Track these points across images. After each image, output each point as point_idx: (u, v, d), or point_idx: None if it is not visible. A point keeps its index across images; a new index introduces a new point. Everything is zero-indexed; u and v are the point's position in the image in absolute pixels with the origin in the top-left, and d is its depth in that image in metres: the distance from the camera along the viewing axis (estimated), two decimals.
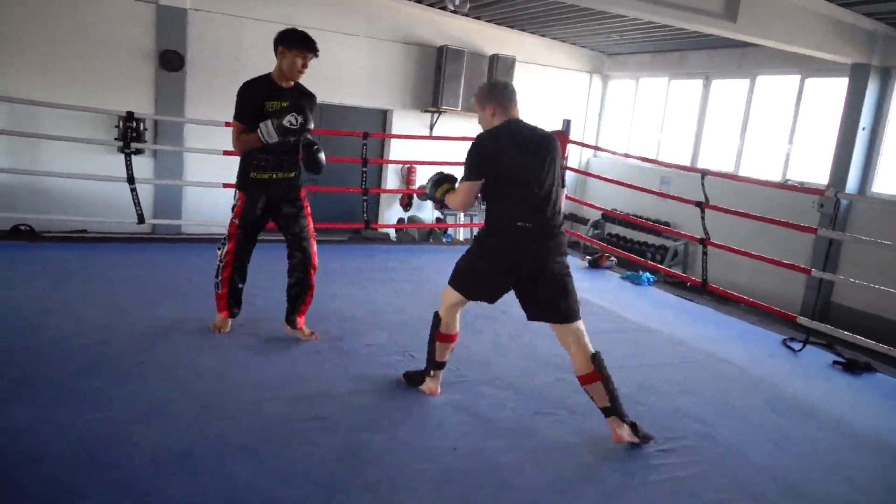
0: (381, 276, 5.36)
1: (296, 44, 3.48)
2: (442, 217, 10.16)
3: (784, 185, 7.88)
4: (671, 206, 9.82)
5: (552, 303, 2.88)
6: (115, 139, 8.22)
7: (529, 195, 2.81)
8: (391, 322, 4.19)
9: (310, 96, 3.67)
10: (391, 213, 10.75)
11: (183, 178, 8.70)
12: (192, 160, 8.77)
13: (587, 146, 8.81)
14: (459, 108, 10.43)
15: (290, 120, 3.32)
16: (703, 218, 5.45)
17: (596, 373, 2.81)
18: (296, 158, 3.60)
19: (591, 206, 8.76)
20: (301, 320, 3.77)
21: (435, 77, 10.40)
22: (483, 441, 2.79)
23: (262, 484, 2.32)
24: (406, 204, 10.55)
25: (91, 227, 7.49)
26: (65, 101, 7.05)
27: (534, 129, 2.93)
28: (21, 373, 2.94)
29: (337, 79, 9.43)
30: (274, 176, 3.54)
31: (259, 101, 3.44)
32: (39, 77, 8.02)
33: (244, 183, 3.57)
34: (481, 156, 2.85)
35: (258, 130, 3.35)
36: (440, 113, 10.56)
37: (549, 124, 9.36)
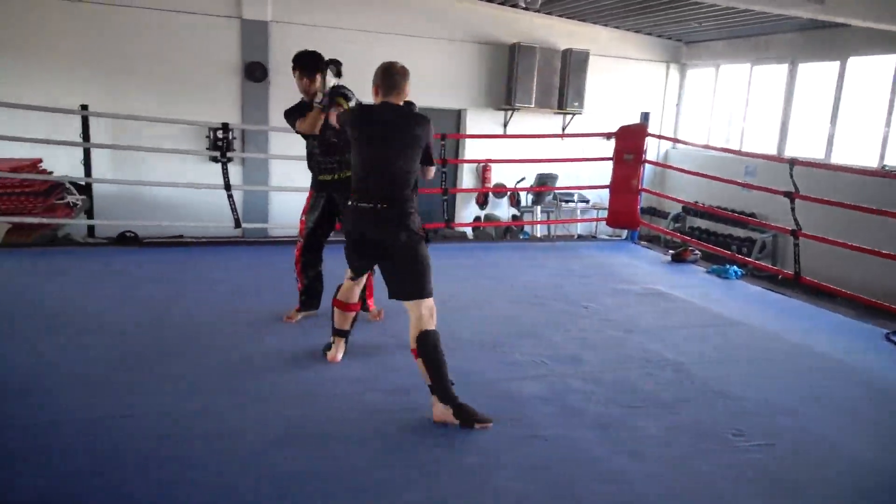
0: (461, 272, 5.45)
1: (295, 66, 3.96)
2: (518, 215, 10.18)
3: (881, 172, 7.46)
4: (757, 197, 9.47)
5: (397, 281, 3.02)
6: (207, 149, 8.71)
7: (373, 174, 2.99)
8: (474, 317, 4.27)
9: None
10: (467, 212, 10.85)
11: (269, 183, 9.10)
12: (277, 166, 9.16)
13: (665, 138, 8.63)
14: (533, 105, 10.42)
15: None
16: (792, 209, 5.26)
17: (415, 351, 2.90)
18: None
19: (672, 198, 8.57)
20: (370, 302, 4.09)
21: (508, 75, 10.43)
22: (574, 431, 2.83)
23: (367, 465, 2.47)
24: (482, 202, 10.62)
25: (186, 231, 7.98)
26: (159, 115, 7.53)
27: (398, 111, 3.04)
28: (149, 364, 3.20)
29: (412, 80, 9.61)
30: (335, 177, 3.87)
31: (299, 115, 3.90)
32: (138, 93, 8.58)
33: (312, 184, 3.98)
34: (349, 117, 3.18)
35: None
36: (514, 110, 10.58)
37: (626, 116, 9.28)
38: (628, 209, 6.66)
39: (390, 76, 3.05)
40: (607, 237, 9.73)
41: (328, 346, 3.48)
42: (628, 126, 6.79)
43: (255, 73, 8.92)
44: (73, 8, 8.20)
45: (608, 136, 6.77)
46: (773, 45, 9.98)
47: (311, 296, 4.06)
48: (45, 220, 6.32)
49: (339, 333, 3.46)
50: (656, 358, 3.70)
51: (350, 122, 3.12)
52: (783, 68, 9.81)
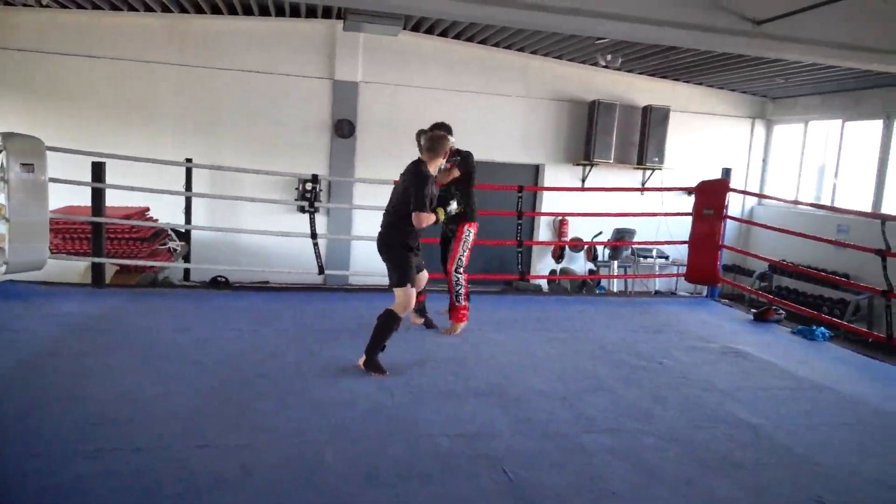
0: (534, 325, 5.48)
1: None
2: (595, 269, 10.11)
3: None
4: (851, 257, 9.05)
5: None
6: (295, 199, 9.22)
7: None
8: (547, 369, 4.29)
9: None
10: (543, 265, 10.88)
11: (352, 232, 9.48)
12: (359, 216, 9.56)
13: (748, 193, 8.43)
14: (612, 161, 10.45)
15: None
16: (884, 267, 5.03)
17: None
18: None
19: (757, 256, 8.31)
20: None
21: (587, 131, 10.55)
22: (645, 490, 2.79)
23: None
24: (558, 256, 10.63)
25: (272, 277, 8.40)
26: (253, 167, 8.07)
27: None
28: (232, 398, 3.42)
29: (491, 137, 9.90)
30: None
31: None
32: (236, 147, 9.25)
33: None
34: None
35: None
36: (592, 166, 10.64)
37: (709, 172, 9.17)
38: (708, 265, 6.52)
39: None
40: (687, 294, 9.49)
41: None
42: (709, 181, 6.71)
43: (344, 129, 9.44)
44: (180, 71, 9.01)
45: (689, 190, 6.71)
46: (866, 100, 9.67)
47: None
48: (148, 263, 6.85)
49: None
50: (734, 419, 3.60)
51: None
52: (878, 124, 9.46)
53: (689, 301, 7.27)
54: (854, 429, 3.64)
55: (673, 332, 5.47)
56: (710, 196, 6.46)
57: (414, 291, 4.26)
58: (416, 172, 4.21)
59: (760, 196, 10.07)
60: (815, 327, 5.50)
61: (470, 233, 5.02)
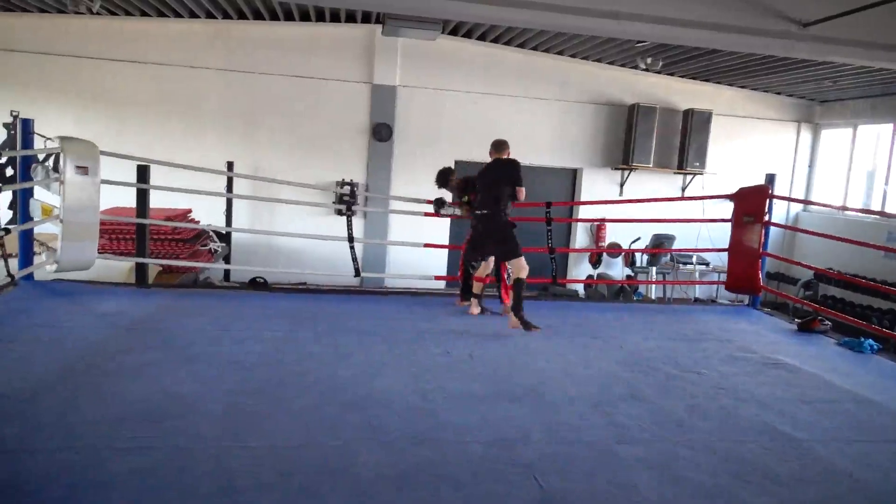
0: (569, 330, 5.44)
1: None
2: (633, 274, 9.98)
3: None
4: None
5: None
6: (333, 202, 9.34)
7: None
8: (580, 376, 4.25)
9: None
10: (580, 270, 10.78)
11: (387, 237, 9.56)
12: (395, 220, 9.63)
13: (789, 199, 8.21)
14: (651, 165, 10.31)
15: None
16: None
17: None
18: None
19: (802, 265, 8.08)
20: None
21: (626, 135, 10.43)
22: (678, 500, 2.74)
23: None
24: (595, 261, 10.52)
25: (310, 279, 8.52)
26: (294, 168, 8.21)
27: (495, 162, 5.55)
28: (268, 398, 3.48)
29: (529, 141, 9.86)
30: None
31: None
32: (276, 149, 9.42)
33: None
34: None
35: None
36: (631, 170, 10.51)
37: (752, 177, 8.98)
38: (748, 273, 6.36)
39: (496, 144, 5.60)
40: (728, 302, 9.28)
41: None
42: (748, 187, 6.55)
43: (382, 133, 9.53)
44: (222, 76, 9.21)
45: (730, 197, 6.56)
46: None
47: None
48: (190, 264, 7.02)
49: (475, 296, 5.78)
50: (773, 431, 3.51)
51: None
52: None
53: (729, 310, 7.11)
54: None
55: (712, 341, 5.36)
56: (750, 202, 6.31)
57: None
58: (507, 163, 5.45)
59: (804, 202, 9.81)
60: (862, 339, 5.31)
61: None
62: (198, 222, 7.87)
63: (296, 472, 2.76)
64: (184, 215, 7.62)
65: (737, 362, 4.73)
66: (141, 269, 6.21)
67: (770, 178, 6.64)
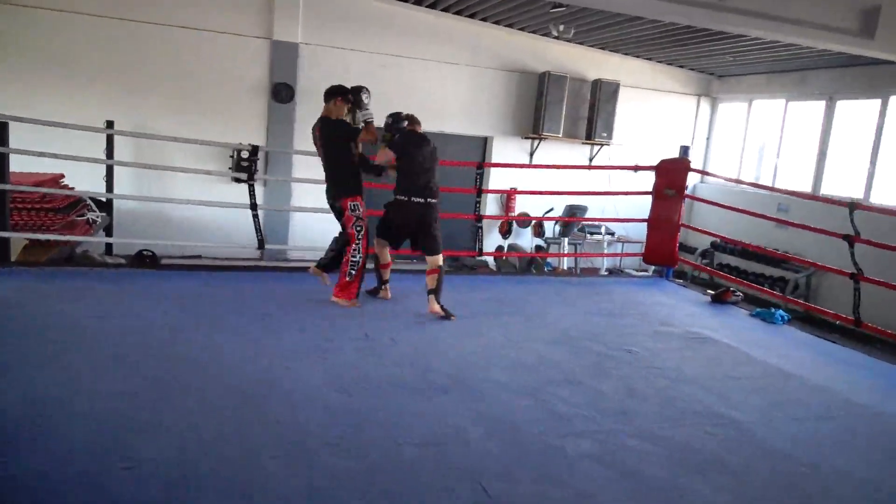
0: (488, 307, 5.19)
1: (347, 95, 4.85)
2: (544, 246, 9.92)
3: None
4: (790, 236, 9.18)
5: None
6: (229, 168, 8.58)
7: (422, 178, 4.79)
8: (509, 359, 4.00)
9: None
10: (489, 241, 10.61)
11: (291, 203, 8.92)
12: (298, 188, 9.00)
13: (707, 173, 8.39)
14: (561, 135, 10.23)
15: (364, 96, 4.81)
16: (852, 252, 4.99)
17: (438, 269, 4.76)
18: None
19: (704, 231, 8.26)
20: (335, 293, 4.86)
21: (536, 103, 10.26)
22: (633, 501, 2.54)
23: None
24: (505, 231, 10.39)
25: (205, 252, 7.80)
26: (183, 132, 7.37)
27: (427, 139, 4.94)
28: (157, 403, 2.95)
29: (439, 107, 9.47)
30: None
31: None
32: (163, 110, 8.48)
33: (359, 190, 4.89)
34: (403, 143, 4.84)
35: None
36: (541, 139, 10.39)
37: (654, 148, 9.03)
38: (667, 246, 6.38)
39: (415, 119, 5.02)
40: (635, 273, 9.44)
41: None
42: (670, 160, 6.54)
43: (282, 94, 8.81)
44: (101, 23, 8.14)
45: (636, 168, 6.52)
46: (810, 80, 9.75)
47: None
48: (63, 238, 6.15)
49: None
50: (711, 413, 3.41)
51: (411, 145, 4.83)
52: (820, 105, 9.56)
53: (643, 282, 7.15)
54: (829, 422, 3.50)
55: (633, 315, 5.29)
56: (672, 176, 6.29)
57: None
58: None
59: (704, 173, 10.10)
60: (773, 310, 5.43)
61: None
62: (72, 189, 6.93)
63: (188, 494, 2.30)
64: (55, 181, 6.65)
65: (661, 338, 4.66)
66: (1, 245, 5.34)
67: (685, 151, 6.66)
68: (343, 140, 4.79)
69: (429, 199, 4.76)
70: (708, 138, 11.74)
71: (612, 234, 10.27)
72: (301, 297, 4.94)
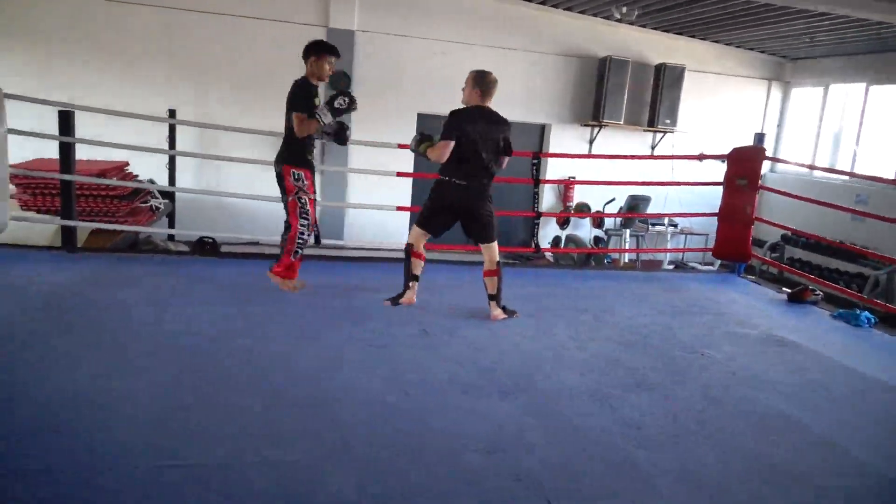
0: (551, 302, 4.99)
1: (325, 51, 4.40)
2: (603, 238, 9.62)
3: None
4: (870, 230, 8.64)
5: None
6: None
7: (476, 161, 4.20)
8: (577, 360, 3.80)
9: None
10: (546, 231, 10.36)
11: (346, 198, 8.92)
12: (356, 180, 8.98)
13: (783, 161, 7.94)
14: (622, 122, 9.89)
15: (339, 102, 4.30)
16: None
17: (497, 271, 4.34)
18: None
19: (775, 225, 7.82)
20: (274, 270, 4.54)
21: (596, 89, 9.94)
22: None
23: None
24: (563, 222, 10.13)
25: (263, 236, 7.82)
26: (241, 121, 7.39)
27: (493, 115, 4.27)
28: (210, 399, 2.90)
29: (498, 94, 9.22)
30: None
31: (312, 97, 4.36)
32: (222, 99, 8.54)
33: (306, 162, 4.48)
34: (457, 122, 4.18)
35: (316, 117, 4.31)
36: (601, 127, 10.05)
37: (721, 137, 8.59)
38: (740, 240, 6.02)
39: (493, 83, 4.32)
40: (701, 267, 9.06)
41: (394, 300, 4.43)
42: (742, 148, 6.15)
43: (340, 82, 8.73)
44: (162, 14, 8.23)
45: (724, 157, 6.14)
46: (893, 62, 9.11)
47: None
48: (127, 228, 6.25)
49: (415, 279, 4.47)
50: (800, 429, 3.13)
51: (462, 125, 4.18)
52: None
53: (712, 277, 6.79)
54: None
55: (705, 314, 5.00)
56: (745, 164, 5.92)
57: None
58: (504, 122, 4.34)
59: (774, 160, 9.59)
60: (858, 311, 5.05)
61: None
62: (136, 177, 7.05)
63: (247, 497, 2.21)
64: (120, 168, 6.76)
65: (738, 340, 4.37)
66: (67, 230, 5.43)
67: (759, 139, 6.28)
68: (290, 108, 4.41)
69: (472, 183, 4.18)
70: (779, 126, 11.15)
71: (675, 225, 9.88)
72: (355, 288, 4.86)
